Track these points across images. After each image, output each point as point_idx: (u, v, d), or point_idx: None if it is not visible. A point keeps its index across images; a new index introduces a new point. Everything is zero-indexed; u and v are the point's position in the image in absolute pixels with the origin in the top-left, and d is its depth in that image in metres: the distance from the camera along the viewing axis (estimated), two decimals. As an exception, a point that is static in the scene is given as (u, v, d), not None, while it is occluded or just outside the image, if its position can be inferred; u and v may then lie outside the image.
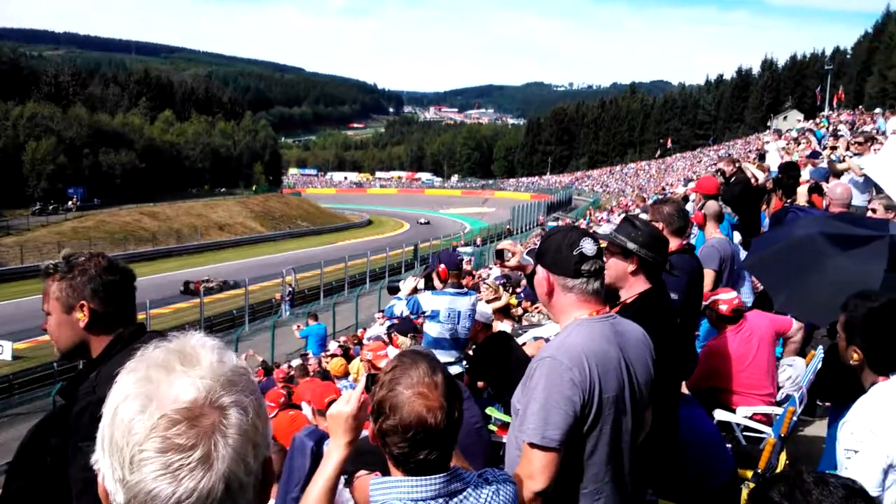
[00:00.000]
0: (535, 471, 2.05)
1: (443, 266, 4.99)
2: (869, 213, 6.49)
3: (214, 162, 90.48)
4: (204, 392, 0.89)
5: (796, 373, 4.96)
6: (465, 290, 5.15)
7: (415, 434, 1.62)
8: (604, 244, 2.66)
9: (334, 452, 1.90)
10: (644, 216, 4.68)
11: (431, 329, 4.80)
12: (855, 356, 2.73)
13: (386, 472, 1.78)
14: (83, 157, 69.21)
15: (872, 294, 2.80)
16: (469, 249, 39.50)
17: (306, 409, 6.24)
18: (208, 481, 0.86)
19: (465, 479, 1.72)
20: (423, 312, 4.81)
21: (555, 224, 44.14)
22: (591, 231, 2.53)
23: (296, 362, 13.11)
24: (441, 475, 1.67)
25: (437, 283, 4.98)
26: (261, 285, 32.65)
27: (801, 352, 5.73)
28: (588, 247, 2.25)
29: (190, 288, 33.69)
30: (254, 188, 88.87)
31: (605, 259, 2.49)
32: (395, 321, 6.58)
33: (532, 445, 2.07)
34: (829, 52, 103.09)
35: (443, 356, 4.75)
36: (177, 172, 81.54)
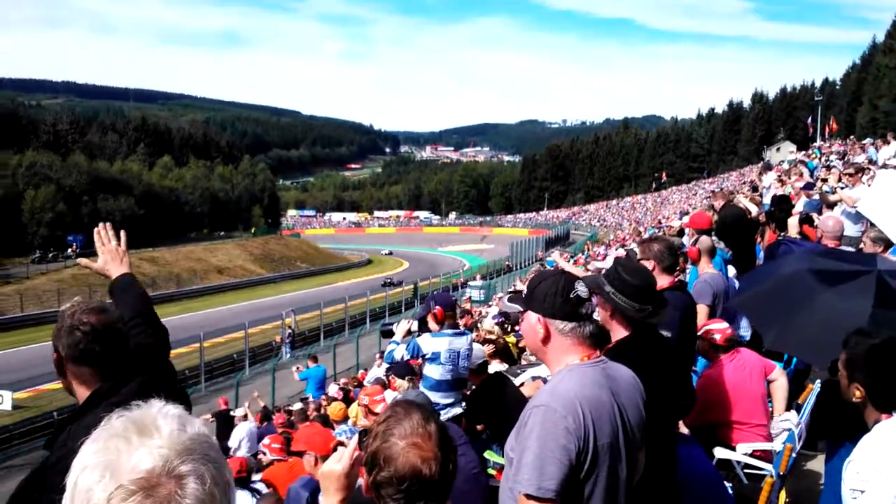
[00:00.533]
0: None
1: (439, 307, 4.98)
2: (861, 245, 6.53)
3: (213, 206, 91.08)
4: (161, 462, 0.91)
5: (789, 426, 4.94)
6: (462, 329, 5.16)
7: (409, 485, 1.62)
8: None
9: None
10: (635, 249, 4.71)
11: (433, 372, 4.74)
12: (857, 394, 2.71)
13: None
14: (82, 205, 69.63)
15: (873, 331, 2.78)
16: (479, 283, 40.19)
17: (308, 459, 6.19)
18: None
19: None
20: (424, 355, 4.77)
21: (554, 260, 44.41)
22: (577, 276, 2.54)
23: (296, 406, 13.04)
24: None
25: (433, 325, 4.95)
26: (261, 328, 32.50)
27: (800, 386, 5.72)
28: (583, 290, 2.28)
29: (389, 281, 51.84)
30: (253, 231, 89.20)
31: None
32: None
33: (528, 497, 2.05)
34: (818, 84, 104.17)
35: (444, 398, 4.74)
36: (176, 217, 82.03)
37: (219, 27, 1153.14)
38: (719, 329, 5.03)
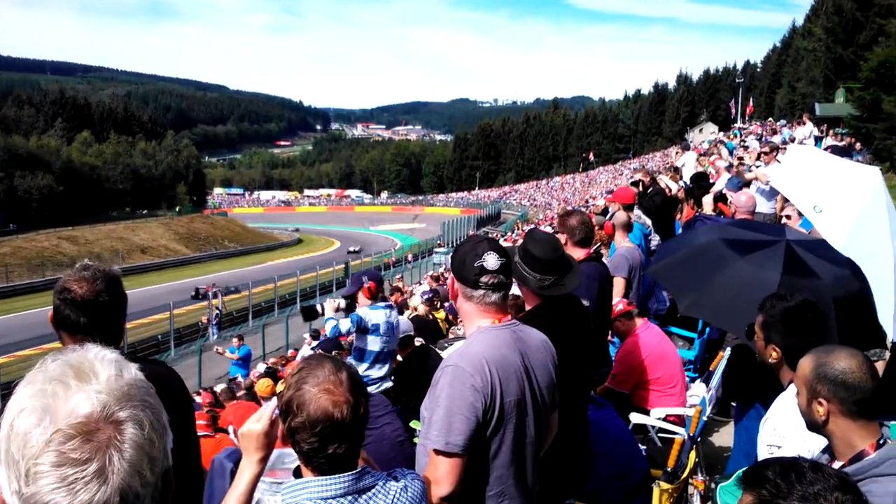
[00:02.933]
0: (440, 476, 2.11)
1: (371, 282, 5.02)
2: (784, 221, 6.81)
3: (136, 183, 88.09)
4: (99, 407, 0.91)
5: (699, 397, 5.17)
6: (390, 303, 5.21)
7: (323, 428, 1.66)
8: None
9: (246, 470, 1.91)
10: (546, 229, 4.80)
11: (374, 343, 4.78)
12: (774, 355, 2.85)
13: None
14: (-3, 182, 66.54)
15: (788, 295, 2.90)
16: (444, 250, 41.03)
17: (233, 434, 6.16)
18: (103, 494, 0.87)
19: (374, 476, 1.78)
20: (367, 326, 4.78)
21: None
22: (501, 244, 2.56)
23: (220, 387, 12.88)
24: (350, 473, 1.72)
25: (364, 300, 4.97)
26: (187, 308, 31.81)
27: (713, 355, 5.98)
28: (491, 261, 2.32)
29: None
30: (177, 209, 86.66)
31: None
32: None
33: (437, 452, 2.13)
34: (740, 66, 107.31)
35: (378, 371, 4.80)
36: (96, 195, 79.05)
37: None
38: (618, 300, 5.25)
